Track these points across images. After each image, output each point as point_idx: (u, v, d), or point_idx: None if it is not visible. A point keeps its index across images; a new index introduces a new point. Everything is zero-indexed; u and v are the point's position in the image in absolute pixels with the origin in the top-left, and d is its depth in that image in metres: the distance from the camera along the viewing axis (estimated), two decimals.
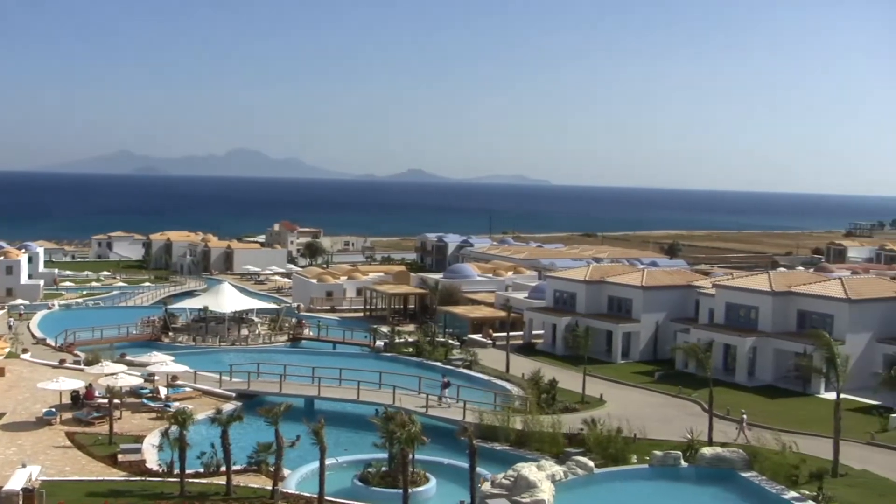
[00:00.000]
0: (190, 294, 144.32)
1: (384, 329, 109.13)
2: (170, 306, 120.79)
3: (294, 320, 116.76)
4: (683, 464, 58.03)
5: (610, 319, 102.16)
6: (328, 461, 50.77)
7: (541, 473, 51.57)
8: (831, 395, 64.77)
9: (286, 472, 54.10)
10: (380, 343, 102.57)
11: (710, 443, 61.40)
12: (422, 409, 69.09)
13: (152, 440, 61.58)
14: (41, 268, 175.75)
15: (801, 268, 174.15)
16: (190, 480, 51.71)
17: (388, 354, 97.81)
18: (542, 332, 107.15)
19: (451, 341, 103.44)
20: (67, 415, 68.45)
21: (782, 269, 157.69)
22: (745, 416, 68.13)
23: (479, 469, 51.09)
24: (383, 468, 54.30)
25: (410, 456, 49.92)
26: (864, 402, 78.12)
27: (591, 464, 56.41)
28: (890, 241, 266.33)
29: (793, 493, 52.21)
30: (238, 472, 53.32)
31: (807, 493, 52.22)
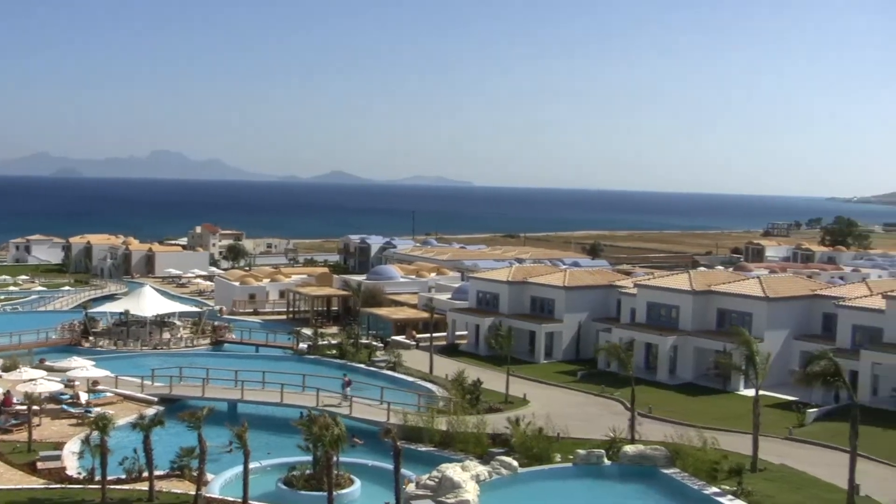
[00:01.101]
0: (111, 298, 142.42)
1: (307, 331, 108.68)
2: (90, 310, 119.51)
3: (216, 323, 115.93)
4: (607, 462, 58.63)
5: (533, 319, 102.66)
6: (252, 465, 50.59)
7: (465, 474, 51.80)
8: (750, 392, 65.71)
9: (209, 476, 53.72)
10: (303, 345, 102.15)
11: (633, 441, 62.00)
12: (346, 412, 69.05)
13: (72, 447, 60.78)
14: None
15: (720, 267, 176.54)
16: (111, 487, 51.15)
17: (312, 357, 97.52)
18: (465, 332, 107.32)
19: (374, 343, 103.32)
20: None
21: (702, 268, 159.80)
22: (636, 412, 68.86)
23: (403, 470, 51.12)
24: (308, 471, 54.16)
25: (335, 458, 49.87)
26: (783, 398, 79.38)
27: (516, 463, 56.77)
28: (806, 241, 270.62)
29: (713, 489, 53.04)
30: (161, 478, 52.90)
31: (727, 487, 53.06)
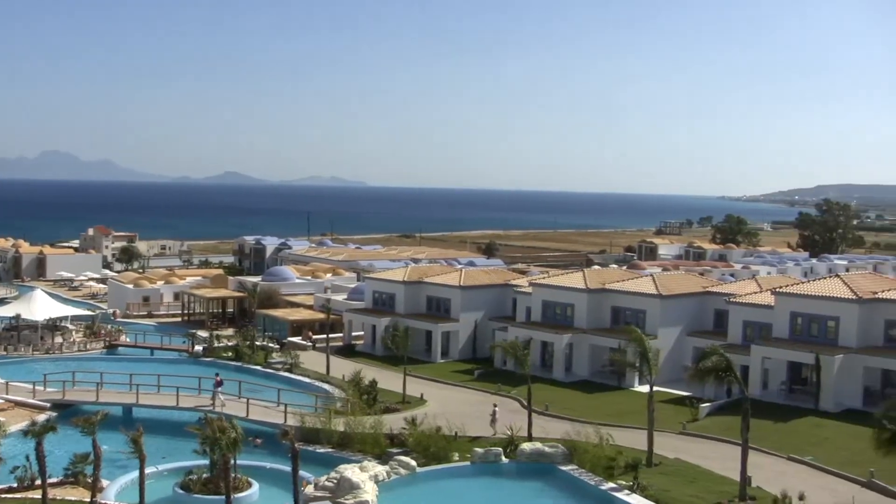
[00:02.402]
0: (0, 302, 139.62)
1: (202, 334, 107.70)
2: None
3: (110, 326, 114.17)
4: (504, 460, 58.99)
5: (429, 319, 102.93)
6: (148, 470, 49.98)
7: (364, 474, 51.79)
8: (645, 388, 66.66)
9: (104, 482, 52.95)
10: (198, 348, 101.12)
11: (530, 438, 62.46)
12: (242, 414, 68.61)
13: None
14: None
15: (614, 265, 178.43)
16: (2, 496, 50.16)
17: (207, 359, 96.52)
18: (361, 333, 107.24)
19: (270, 344, 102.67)
20: None
21: (596, 267, 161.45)
22: (496, 409, 69.43)
23: (301, 472, 50.86)
24: (205, 475, 53.64)
25: (232, 461, 49.50)
26: (676, 394, 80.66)
27: (414, 463, 56.86)
28: (698, 239, 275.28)
29: (610, 484, 53.69)
30: (54, 485, 51.91)
31: (623, 483, 53.73)
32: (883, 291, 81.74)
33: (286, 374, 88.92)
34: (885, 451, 44.54)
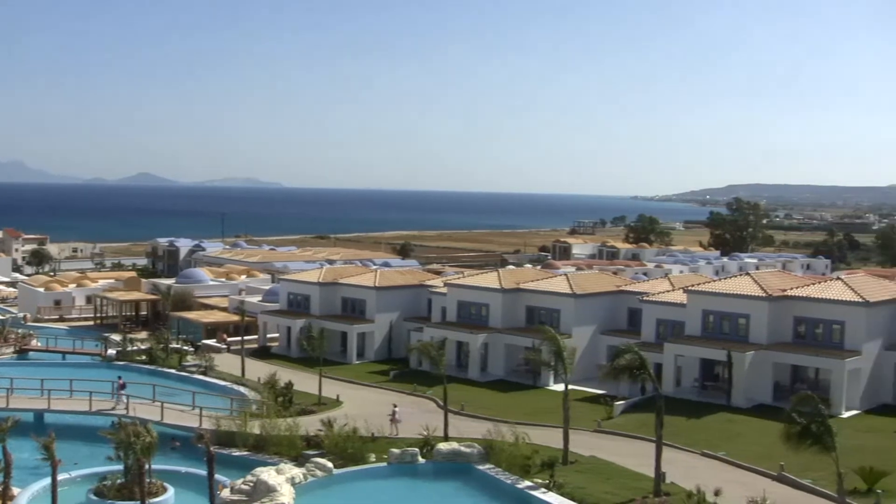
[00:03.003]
0: None
1: (116, 337, 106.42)
2: None
3: (20, 330, 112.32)
4: (421, 460, 59.06)
5: (344, 320, 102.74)
6: (61, 476, 49.33)
7: (280, 477, 51.55)
8: (560, 387, 67.17)
9: (15, 490, 52.13)
10: (112, 352, 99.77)
11: (447, 438, 62.61)
12: (157, 418, 67.92)
13: None
14: None
15: (528, 265, 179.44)
16: None
17: (121, 363, 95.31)
18: (277, 335, 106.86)
19: (185, 347, 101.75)
20: None
21: (511, 266, 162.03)
22: (396, 409, 69.70)
23: (217, 476, 50.58)
24: (119, 480, 52.99)
25: (147, 466, 49.02)
26: (591, 392, 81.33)
27: (330, 465, 56.74)
28: (611, 238, 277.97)
29: (527, 483, 53.99)
30: None
31: (539, 481, 54.05)
32: (791, 289, 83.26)
33: (201, 377, 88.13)
34: (795, 445, 45.31)
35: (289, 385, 77.02)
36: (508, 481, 54.80)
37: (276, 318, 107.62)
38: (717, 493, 50.66)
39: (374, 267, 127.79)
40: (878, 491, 52.19)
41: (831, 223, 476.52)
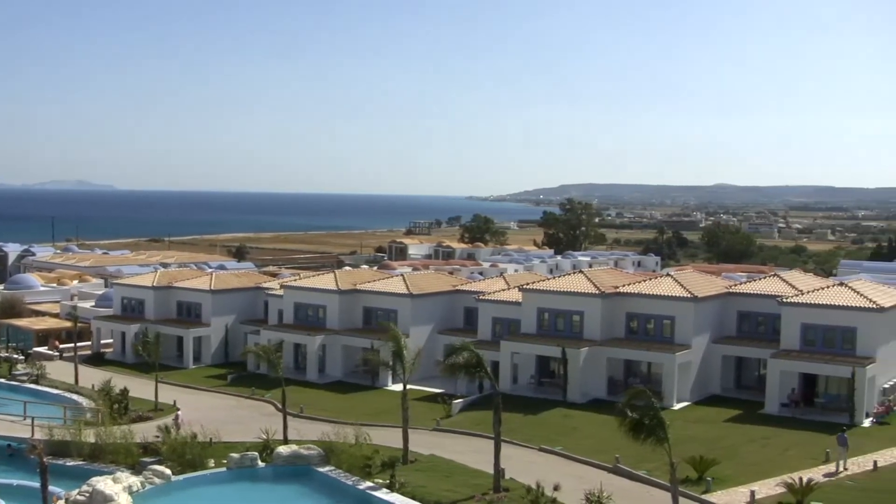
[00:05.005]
0: None
1: None
2: None
3: None
4: (261, 464, 58.62)
5: (180, 324, 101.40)
6: None
7: (117, 486, 50.60)
8: (399, 387, 67.46)
9: None
10: None
11: (286, 441, 62.31)
12: None
13: None
14: None
15: (365, 266, 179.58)
16: None
17: None
18: (111, 340, 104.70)
19: (14, 355, 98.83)
20: None
21: (347, 267, 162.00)
22: (179, 414, 69.60)
23: (51, 487, 49.32)
24: None
25: None
26: (430, 391, 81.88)
27: (168, 472, 55.85)
28: (447, 238, 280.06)
29: (368, 483, 54.04)
30: None
31: (381, 481, 54.15)
32: (623, 286, 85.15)
33: (32, 385, 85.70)
34: (631, 438, 46.35)
35: (124, 391, 75.55)
36: (349, 482, 54.79)
37: (110, 323, 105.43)
38: (555, 488, 51.47)
39: (210, 270, 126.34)
40: (708, 479, 54.01)
41: (661, 221, 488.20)
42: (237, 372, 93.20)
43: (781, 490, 51.62)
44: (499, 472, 52.93)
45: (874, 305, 74.81)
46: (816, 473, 55.49)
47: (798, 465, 57.71)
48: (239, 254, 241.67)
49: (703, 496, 51.94)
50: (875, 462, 58.60)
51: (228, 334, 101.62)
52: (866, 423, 69.87)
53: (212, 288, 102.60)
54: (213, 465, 59.09)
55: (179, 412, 69.80)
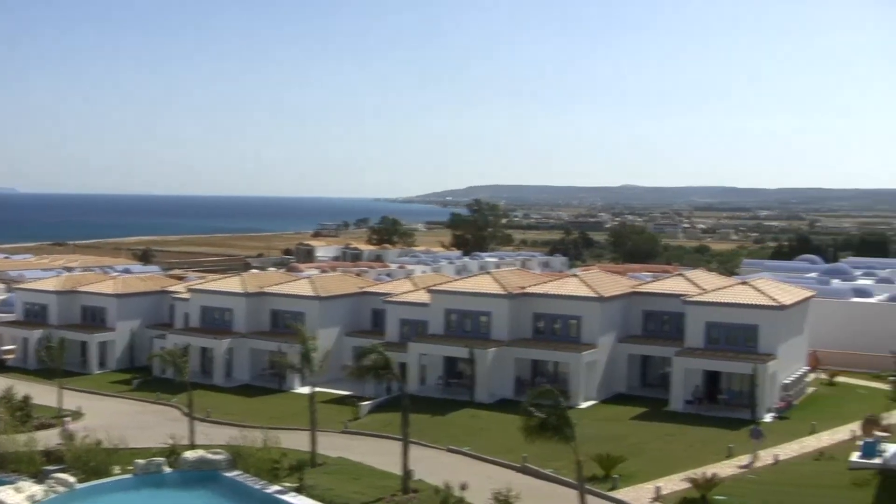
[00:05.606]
0: None
1: None
2: None
3: None
4: (167, 469, 58.05)
5: (84, 329, 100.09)
6: None
7: (19, 496, 49.82)
8: (306, 390, 67.27)
9: None
10: None
11: (193, 446, 61.79)
12: None
13: None
14: None
15: (272, 269, 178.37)
16: None
17: None
18: (13, 346, 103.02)
19: None
20: None
21: (255, 270, 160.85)
22: (67, 419, 69.13)
23: None
24: None
25: None
26: (338, 394, 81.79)
27: (72, 479, 55.04)
28: (354, 240, 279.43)
29: (276, 487, 53.77)
30: None
31: (289, 484, 53.99)
32: (530, 286, 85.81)
33: None
34: (536, 437, 46.71)
35: (26, 399, 74.32)
36: (257, 486, 54.49)
37: (12, 329, 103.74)
38: (463, 488, 51.75)
39: (115, 274, 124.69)
40: (615, 476, 54.78)
41: (567, 222, 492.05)
42: (143, 377, 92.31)
43: (686, 485, 52.51)
44: (407, 473, 53.10)
45: (775, 303, 76.42)
46: (720, 468, 56.51)
47: (702, 460, 58.77)
48: (144, 257, 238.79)
49: (610, 493, 52.66)
50: (776, 456, 59.83)
51: (134, 339, 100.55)
52: (768, 418, 71.27)
53: (117, 292, 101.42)
54: (118, 471, 58.34)
55: (66, 420, 68.74)
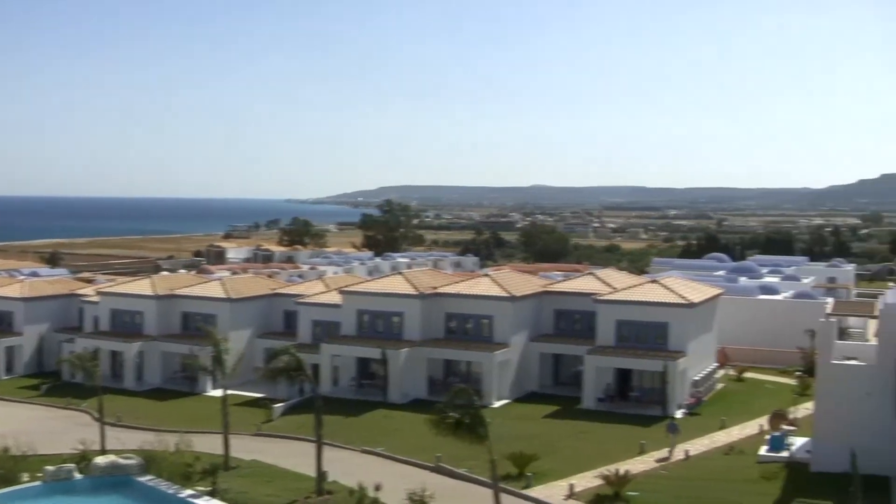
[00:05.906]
0: None
1: None
2: None
3: None
4: (78, 476, 57.36)
5: None
6: None
7: None
8: (219, 392, 66.89)
9: None
10: None
11: (104, 451, 61.15)
12: None
13: None
14: None
15: (183, 271, 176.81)
16: None
17: None
18: None
19: None
20: None
21: (165, 272, 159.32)
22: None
23: None
24: None
25: None
26: (250, 396, 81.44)
27: None
28: (266, 242, 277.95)
29: (189, 491, 53.33)
30: None
31: (202, 488, 53.62)
32: (442, 286, 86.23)
33: None
34: (450, 437, 46.96)
35: None
36: (170, 491, 54.03)
37: None
38: (377, 488, 51.91)
39: (22, 277, 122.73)
40: (529, 474, 55.34)
41: (479, 222, 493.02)
42: (52, 382, 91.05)
43: (599, 482, 53.17)
44: (321, 474, 53.08)
45: (684, 301, 77.66)
46: (633, 465, 57.43)
47: (615, 457, 59.58)
48: (52, 260, 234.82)
49: (524, 491, 53.18)
50: (687, 451, 60.89)
51: (42, 343, 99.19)
52: (678, 414, 72.40)
53: (24, 296, 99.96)
54: (27, 479, 57.49)
55: None
